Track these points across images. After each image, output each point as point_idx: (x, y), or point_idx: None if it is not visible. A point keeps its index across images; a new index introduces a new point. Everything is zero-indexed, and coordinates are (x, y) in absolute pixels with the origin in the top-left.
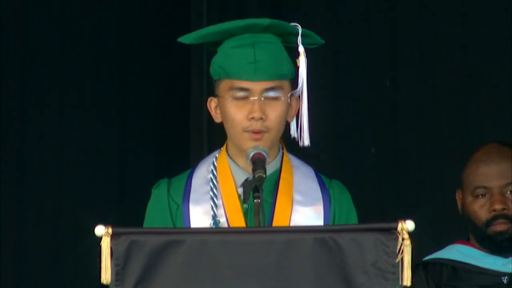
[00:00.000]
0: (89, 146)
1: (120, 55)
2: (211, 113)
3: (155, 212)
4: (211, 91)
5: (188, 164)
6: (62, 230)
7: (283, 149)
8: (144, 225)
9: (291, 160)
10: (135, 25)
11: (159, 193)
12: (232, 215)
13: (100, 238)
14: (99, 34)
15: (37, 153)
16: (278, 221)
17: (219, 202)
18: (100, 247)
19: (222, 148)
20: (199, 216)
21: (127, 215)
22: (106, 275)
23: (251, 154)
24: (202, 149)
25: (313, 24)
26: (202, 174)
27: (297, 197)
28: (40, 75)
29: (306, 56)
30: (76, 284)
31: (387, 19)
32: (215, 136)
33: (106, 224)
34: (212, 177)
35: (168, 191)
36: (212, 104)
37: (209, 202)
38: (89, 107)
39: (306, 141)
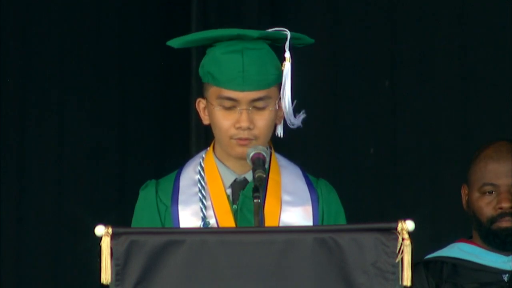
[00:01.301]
0: (89, 146)
1: (120, 55)
2: (200, 114)
3: (144, 213)
4: None
5: None
6: (62, 230)
7: (271, 149)
8: (132, 226)
9: (278, 160)
10: (135, 25)
11: (147, 194)
12: (221, 216)
13: (100, 238)
14: (99, 34)
15: (37, 153)
16: (267, 221)
17: (207, 203)
18: (100, 247)
19: (208, 149)
20: (188, 218)
21: (127, 215)
22: (106, 275)
23: (251, 154)
24: (202, 149)
25: (313, 24)
26: (189, 175)
27: (285, 197)
28: (40, 75)
29: (292, 57)
30: (76, 284)
31: (387, 20)
32: (213, 137)
33: (106, 224)
34: (200, 178)
35: (156, 192)
36: (200, 105)
37: (197, 203)
38: (89, 107)
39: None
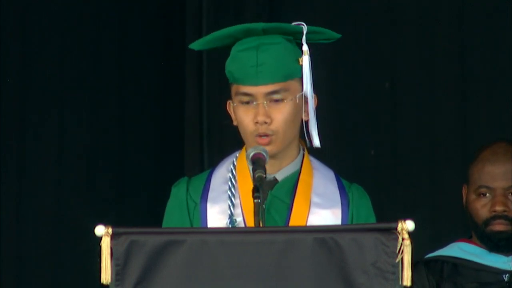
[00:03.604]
0: (88, 146)
1: (120, 55)
2: (231, 116)
3: (174, 210)
4: (209, 93)
5: (182, 166)
6: (62, 230)
7: (304, 150)
8: (163, 223)
9: (312, 162)
10: (135, 26)
11: (178, 192)
12: (248, 215)
13: (100, 238)
14: (98, 35)
15: (37, 153)
16: (294, 222)
17: (236, 201)
18: (100, 247)
19: (242, 149)
20: (216, 215)
21: (127, 215)
22: (106, 275)
23: (251, 154)
24: (196, 152)
25: (312, 25)
26: (221, 173)
27: (315, 199)
28: (40, 75)
29: (311, 55)
30: (76, 284)
31: (387, 21)
32: (211, 137)
33: (106, 224)
34: (231, 176)
35: (187, 189)
36: (230, 107)
37: (226, 201)
38: (89, 107)
39: (316, 142)
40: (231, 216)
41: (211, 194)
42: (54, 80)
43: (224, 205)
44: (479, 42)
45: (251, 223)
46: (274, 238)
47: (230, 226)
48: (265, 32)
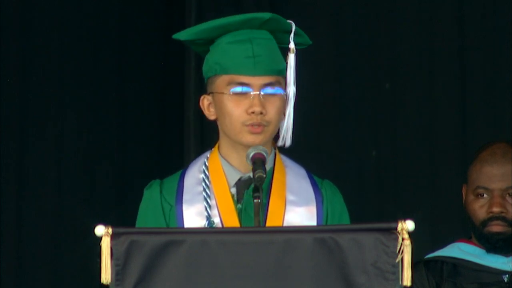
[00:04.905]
0: (88, 146)
1: (119, 56)
2: (204, 111)
3: (148, 213)
4: (204, 91)
5: (182, 166)
6: (62, 230)
7: (275, 149)
8: (137, 225)
9: (283, 160)
10: (135, 25)
11: (151, 194)
12: (226, 215)
13: (100, 238)
14: (97, 35)
15: (37, 153)
16: (271, 221)
17: (212, 202)
18: (100, 247)
19: (213, 149)
20: (193, 217)
21: (127, 215)
22: (106, 275)
23: (251, 154)
24: (195, 152)
25: (313, 27)
26: (194, 174)
27: (290, 197)
28: (40, 75)
29: (296, 55)
30: (76, 284)
31: (387, 21)
32: (208, 137)
33: (106, 224)
34: (204, 177)
35: (161, 191)
36: (205, 102)
37: (202, 202)
38: (88, 107)
39: (288, 141)
40: (208, 217)
41: (185, 196)
42: (54, 80)
43: (200, 206)
44: (479, 42)
45: (228, 223)
46: (274, 238)
47: (208, 227)
48: (262, 25)
